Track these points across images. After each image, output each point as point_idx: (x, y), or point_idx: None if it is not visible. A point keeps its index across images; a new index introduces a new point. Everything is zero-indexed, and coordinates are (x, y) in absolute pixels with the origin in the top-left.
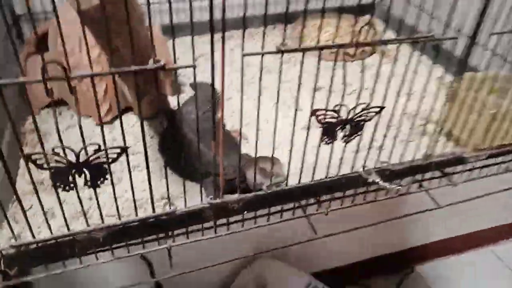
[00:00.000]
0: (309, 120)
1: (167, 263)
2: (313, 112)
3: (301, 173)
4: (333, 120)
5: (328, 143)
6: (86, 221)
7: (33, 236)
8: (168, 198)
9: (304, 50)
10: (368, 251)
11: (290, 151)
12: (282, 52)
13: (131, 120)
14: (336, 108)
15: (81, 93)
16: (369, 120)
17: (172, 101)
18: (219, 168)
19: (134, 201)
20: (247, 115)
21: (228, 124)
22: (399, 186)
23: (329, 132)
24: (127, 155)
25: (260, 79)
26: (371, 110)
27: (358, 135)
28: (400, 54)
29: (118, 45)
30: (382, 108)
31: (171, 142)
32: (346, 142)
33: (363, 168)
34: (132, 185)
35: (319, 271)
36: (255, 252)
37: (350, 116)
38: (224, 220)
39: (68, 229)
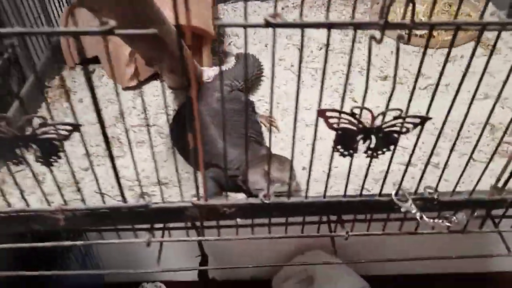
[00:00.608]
0: (316, 120)
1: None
2: (320, 113)
3: (307, 186)
4: (351, 127)
5: (345, 156)
6: (47, 201)
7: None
8: (159, 183)
9: (302, 26)
10: (436, 264)
11: (311, 159)
12: (273, 25)
13: (159, 88)
14: (355, 111)
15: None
16: (406, 132)
17: (209, 73)
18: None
19: (119, 182)
20: (289, 98)
21: (263, 107)
22: (447, 222)
23: (345, 142)
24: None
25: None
26: (407, 120)
27: (388, 150)
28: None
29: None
30: (425, 119)
31: (183, 120)
32: (371, 157)
33: (396, 192)
34: (114, 166)
35: (376, 275)
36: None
37: (376, 124)
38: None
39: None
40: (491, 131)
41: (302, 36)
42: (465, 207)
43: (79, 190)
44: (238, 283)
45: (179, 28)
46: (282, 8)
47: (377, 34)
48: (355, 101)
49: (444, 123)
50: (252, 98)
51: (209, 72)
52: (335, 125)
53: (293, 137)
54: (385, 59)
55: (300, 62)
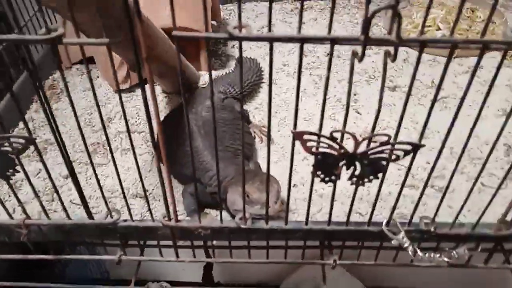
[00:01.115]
0: (292, 144)
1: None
2: (297, 135)
3: (287, 212)
4: (331, 152)
5: (326, 182)
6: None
7: None
8: (125, 200)
9: (270, 40)
10: None
11: (289, 180)
12: (237, 39)
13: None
14: (336, 135)
15: (100, 55)
16: (395, 160)
17: (205, 78)
18: (208, 175)
19: (82, 198)
20: (288, 107)
21: (259, 116)
22: (446, 257)
23: (325, 167)
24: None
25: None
26: (396, 147)
27: (376, 178)
28: None
29: None
30: (417, 146)
31: (169, 128)
32: (356, 185)
33: (388, 222)
34: (76, 182)
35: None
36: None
37: (360, 150)
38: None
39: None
40: (506, 152)
41: (271, 50)
42: (467, 241)
43: (53, 200)
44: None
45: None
46: (291, 10)
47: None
48: (359, 113)
49: (444, 141)
50: (249, 106)
51: (206, 77)
52: (313, 149)
53: (292, 155)
54: (396, 67)
55: (299, 77)
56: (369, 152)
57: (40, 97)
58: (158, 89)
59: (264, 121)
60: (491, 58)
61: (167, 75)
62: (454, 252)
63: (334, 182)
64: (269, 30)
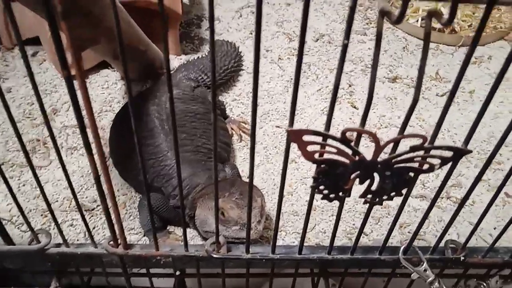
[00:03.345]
0: (287, 146)
1: None
2: (294, 136)
3: (275, 238)
4: (342, 159)
5: (330, 200)
6: None
7: None
8: (54, 219)
9: None
10: None
11: (280, 198)
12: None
13: (110, 78)
14: (350, 134)
15: (47, 35)
16: (429, 171)
17: (174, 63)
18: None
19: None
20: (272, 100)
21: (237, 109)
22: None
23: (331, 180)
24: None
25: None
26: (433, 153)
27: (398, 195)
28: None
29: None
30: (462, 152)
31: (125, 124)
32: (371, 204)
33: (405, 251)
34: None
35: None
36: None
37: (383, 157)
38: None
39: None
40: None
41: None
42: (502, 268)
43: None
44: None
45: None
46: None
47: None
48: (355, 107)
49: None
50: (225, 97)
51: (174, 62)
52: (316, 156)
53: (285, 161)
54: (395, 56)
55: (300, 58)
56: (393, 160)
57: None
58: (116, 75)
59: (244, 115)
60: (501, 48)
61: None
62: (484, 284)
63: (342, 200)
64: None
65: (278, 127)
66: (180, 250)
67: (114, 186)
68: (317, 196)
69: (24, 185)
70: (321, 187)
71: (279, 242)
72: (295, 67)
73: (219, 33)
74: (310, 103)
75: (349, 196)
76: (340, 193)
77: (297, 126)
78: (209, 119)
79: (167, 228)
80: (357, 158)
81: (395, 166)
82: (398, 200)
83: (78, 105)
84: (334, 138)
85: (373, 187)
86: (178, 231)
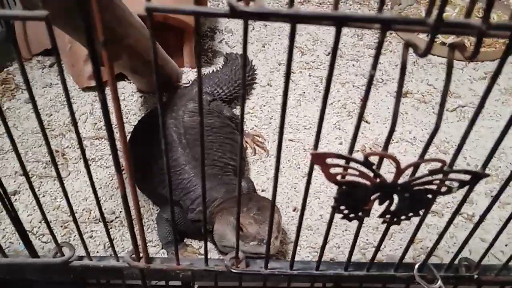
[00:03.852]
0: (310, 167)
1: None
2: (317, 158)
3: (294, 253)
4: (363, 181)
5: (350, 220)
6: None
7: None
8: (79, 233)
9: (293, 18)
10: None
11: (300, 219)
12: (243, 15)
13: (126, 90)
14: (372, 158)
15: (65, 46)
16: (447, 193)
17: (189, 76)
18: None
19: (19, 229)
20: (287, 114)
21: (251, 123)
22: None
23: (352, 200)
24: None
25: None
26: (451, 176)
27: (416, 215)
28: None
29: None
30: (479, 176)
31: (143, 137)
32: (389, 224)
33: (420, 268)
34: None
35: None
36: None
37: (403, 180)
38: None
39: None
40: None
41: (293, 33)
42: None
43: None
44: None
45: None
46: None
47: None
48: (367, 122)
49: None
50: (239, 111)
51: (189, 75)
52: (338, 177)
53: (307, 183)
54: (406, 71)
55: (330, 74)
56: (413, 183)
57: None
58: (132, 87)
59: (258, 128)
60: (510, 64)
61: (142, 71)
62: None
63: (361, 220)
64: (291, 5)
65: (291, 140)
66: (200, 265)
67: (130, 199)
68: (329, 211)
69: (43, 196)
70: (342, 207)
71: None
72: (282, 92)
73: (232, 45)
74: (355, 125)
75: (368, 216)
76: (360, 213)
77: (310, 140)
78: (225, 133)
79: (184, 240)
80: (378, 180)
81: (414, 188)
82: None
83: (110, 121)
84: (357, 161)
85: (392, 208)
86: (195, 244)
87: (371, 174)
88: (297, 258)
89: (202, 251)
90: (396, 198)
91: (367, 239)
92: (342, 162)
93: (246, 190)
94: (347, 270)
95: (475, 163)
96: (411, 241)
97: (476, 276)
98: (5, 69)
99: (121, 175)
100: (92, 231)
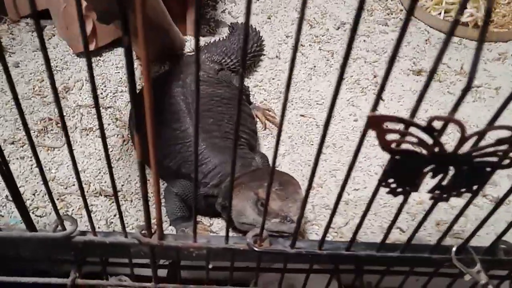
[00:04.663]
0: (363, 132)
1: None
2: (373, 122)
3: (325, 234)
4: (420, 150)
5: (396, 195)
6: None
7: None
8: (86, 205)
9: None
10: None
11: (339, 195)
12: None
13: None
14: (435, 123)
15: (57, 7)
16: (508, 166)
17: (193, 44)
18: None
19: (17, 201)
20: (296, 87)
21: (260, 96)
22: None
23: (403, 173)
24: None
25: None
26: None
27: (469, 191)
28: None
29: None
30: None
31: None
32: (437, 200)
33: (457, 251)
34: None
35: None
36: None
37: (464, 150)
38: None
39: None
40: None
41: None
42: None
43: None
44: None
45: None
46: None
47: None
48: (381, 99)
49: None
50: (247, 83)
51: (193, 43)
52: (393, 145)
53: (356, 151)
54: (418, 48)
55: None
56: (475, 153)
57: None
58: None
59: (267, 102)
60: None
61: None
62: None
63: (407, 195)
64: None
65: (303, 116)
66: (219, 242)
67: (134, 172)
68: (348, 189)
69: (36, 167)
70: (390, 180)
71: (312, 236)
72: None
73: (236, 16)
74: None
75: (416, 190)
76: (407, 187)
77: (322, 115)
78: (235, 104)
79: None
80: (436, 149)
81: (475, 160)
82: (421, 194)
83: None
84: (419, 126)
85: (444, 182)
86: (205, 220)
87: (430, 142)
88: (315, 238)
89: (213, 228)
90: (451, 171)
91: (390, 220)
92: (400, 126)
93: (260, 165)
94: (380, 251)
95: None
96: (454, 223)
97: None
98: None
99: (141, 137)
100: (92, 205)
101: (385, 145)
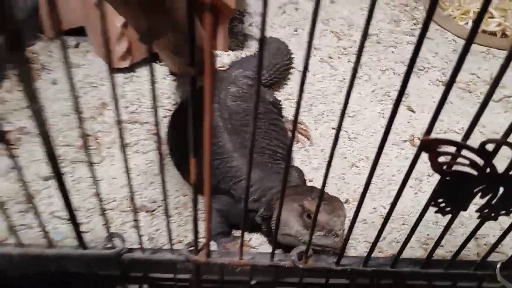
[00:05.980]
0: (415, 156)
1: None
2: (426, 145)
3: (371, 250)
4: (470, 171)
5: (444, 214)
6: None
7: None
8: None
9: None
10: None
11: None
12: None
13: (158, 72)
14: (486, 144)
15: (93, 25)
16: None
17: (223, 59)
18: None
19: (72, 216)
20: (326, 99)
21: (291, 110)
22: None
23: (453, 192)
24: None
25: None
26: None
27: None
28: None
29: None
30: None
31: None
32: (485, 219)
33: (502, 267)
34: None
35: None
36: None
37: None
38: None
39: None
40: None
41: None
42: None
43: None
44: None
45: None
46: None
47: None
48: (412, 111)
49: None
50: (278, 97)
51: (223, 58)
52: (445, 167)
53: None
54: (446, 58)
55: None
56: None
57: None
58: (164, 70)
59: (299, 115)
60: None
61: (183, 51)
62: None
63: (455, 214)
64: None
65: (334, 129)
66: (264, 260)
67: (173, 186)
68: (384, 203)
69: (78, 183)
70: (439, 200)
71: (350, 250)
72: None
73: (268, 30)
74: (366, 105)
75: (465, 210)
76: (457, 207)
77: (354, 128)
78: (269, 119)
79: (232, 232)
80: (488, 170)
81: None
82: (469, 210)
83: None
84: (473, 149)
85: (493, 200)
86: (245, 235)
87: (482, 163)
88: (354, 253)
89: (251, 243)
90: (502, 190)
91: (427, 234)
92: (452, 149)
93: (297, 180)
94: (426, 267)
95: None
96: (504, 237)
97: None
98: (28, 48)
99: (196, 161)
100: (134, 220)
101: (436, 167)
